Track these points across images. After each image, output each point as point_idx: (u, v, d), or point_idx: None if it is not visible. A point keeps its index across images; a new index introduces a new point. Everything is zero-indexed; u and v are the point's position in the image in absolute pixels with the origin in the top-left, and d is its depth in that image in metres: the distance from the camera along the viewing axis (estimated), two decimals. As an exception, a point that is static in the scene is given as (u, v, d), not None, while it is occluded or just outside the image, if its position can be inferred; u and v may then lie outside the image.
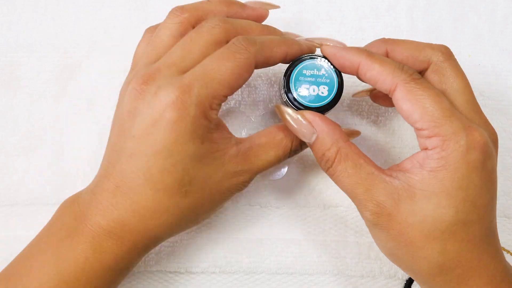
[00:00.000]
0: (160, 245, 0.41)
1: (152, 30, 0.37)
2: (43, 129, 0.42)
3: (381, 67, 0.31)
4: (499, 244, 0.32)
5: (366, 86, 0.41)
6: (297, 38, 0.36)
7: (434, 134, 0.29)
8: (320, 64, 0.35)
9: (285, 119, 0.33)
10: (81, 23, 0.44)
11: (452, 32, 0.45)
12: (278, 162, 0.35)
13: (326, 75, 0.35)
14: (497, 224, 0.43)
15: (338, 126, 0.33)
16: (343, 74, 0.35)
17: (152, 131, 0.30)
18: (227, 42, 0.32)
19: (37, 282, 0.31)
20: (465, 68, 0.45)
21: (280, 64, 0.35)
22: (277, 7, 0.39)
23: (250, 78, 0.33)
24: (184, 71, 0.31)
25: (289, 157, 0.36)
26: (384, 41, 0.35)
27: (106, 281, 0.32)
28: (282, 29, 0.44)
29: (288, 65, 0.35)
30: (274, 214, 0.42)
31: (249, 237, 0.41)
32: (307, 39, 0.36)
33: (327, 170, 0.32)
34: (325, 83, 0.35)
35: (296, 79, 0.35)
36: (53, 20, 0.44)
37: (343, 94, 0.35)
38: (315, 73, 0.35)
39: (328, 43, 0.35)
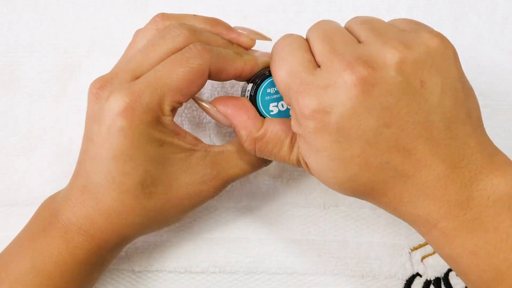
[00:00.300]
0: (160, 245, 0.41)
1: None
2: (43, 129, 0.42)
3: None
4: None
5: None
6: (257, 54, 0.35)
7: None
8: None
9: (208, 114, 0.34)
10: (81, 23, 0.44)
11: (452, 32, 0.45)
12: (252, 169, 0.35)
13: None
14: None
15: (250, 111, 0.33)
16: None
17: (108, 137, 0.30)
18: None
19: (14, 275, 0.32)
20: (465, 68, 0.45)
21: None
22: (268, 39, 0.37)
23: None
24: (139, 77, 0.31)
25: (264, 165, 0.36)
26: None
27: (80, 275, 0.33)
28: (282, 27, 0.44)
29: (250, 86, 0.34)
30: (274, 214, 0.42)
31: (249, 237, 0.41)
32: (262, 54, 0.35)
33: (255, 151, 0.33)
34: None
35: (263, 101, 0.34)
36: (53, 20, 0.44)
37: None
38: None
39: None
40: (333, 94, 0.27)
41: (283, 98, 0.30)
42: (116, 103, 0.30)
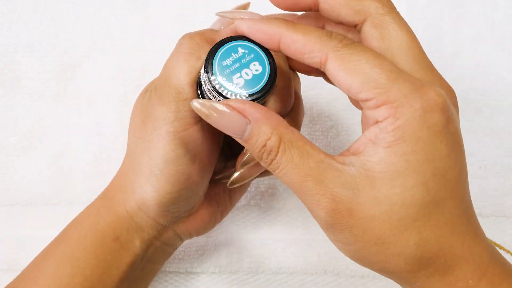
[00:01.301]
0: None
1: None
2: (43, 129, 0.42)
3: (305, 37, 0.25)
4: (477, 220, 0.27)
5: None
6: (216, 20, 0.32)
7: (382, 102, 0.24)
8: (236, 45, 0.28)
9: (207, 116, 0.26)
10: (81, 23, 0.44)
11: (452, 32, 0.45)
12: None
13: (247, 51, 0.28)
14: (498, 224, 0.43)
15: (273, 112, 0.27)
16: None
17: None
18: None
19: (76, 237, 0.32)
20: (465, 68, 0.45)
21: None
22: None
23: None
24: None
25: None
26: None
27: (115, 231, 0.32)
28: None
29: (202, 70, 0.28)
30: (275, 214, 0.42)
31: (249, 237, 0.42)
32: (217, 13, 0.30)
33: (270, 164, 0.26)
34: (252, 60, 0.28)
35: (222, 74, 0.28)
36: (53, 20, 0.44)
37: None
38: (236, 57, 0.28)
39: (242, 16, 0.29)
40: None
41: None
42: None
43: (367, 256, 0.26)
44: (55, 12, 0.44)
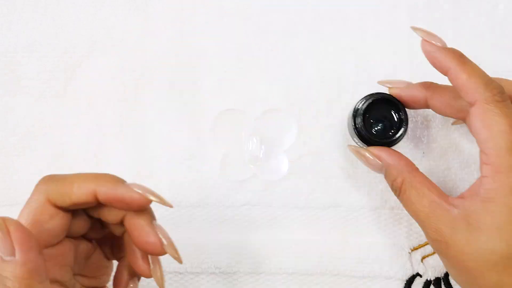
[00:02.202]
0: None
1: None
2: (43, 129, 0.42)
3: (468, 79, 0.31)
4: None
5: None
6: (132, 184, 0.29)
7: (490, 162, 0.30)
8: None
9: (358, 157, 0.37)
10: (81, 23, 0.44)
11: (452, 32, 0.45)
12: None
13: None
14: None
15: (403, 157, 0.35)
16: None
17: None
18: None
19: None
20: (465, 68, 0.45)
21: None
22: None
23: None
24: None
25: None
26: (425, 86, 0.36)
27: None
28: (282, 27, 0.44)
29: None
30: (275, 214, 0.42)
31: (249, 237, 0.41)
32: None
33: (397, 196, 0.35)
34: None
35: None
36: (53, 20, 0.44)
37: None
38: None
39: (427, 39, 0.35)
40: None
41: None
42: None
43: (459, 280, 0.33)
44: (55, 12, 0.44)
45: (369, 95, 0.38)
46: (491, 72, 0.44)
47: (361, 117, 0.38)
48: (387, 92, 0.38)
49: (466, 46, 0.45)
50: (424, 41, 0.34)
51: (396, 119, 0.38)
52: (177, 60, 0.43)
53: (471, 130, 0.31)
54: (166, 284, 0.41)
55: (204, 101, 0.43)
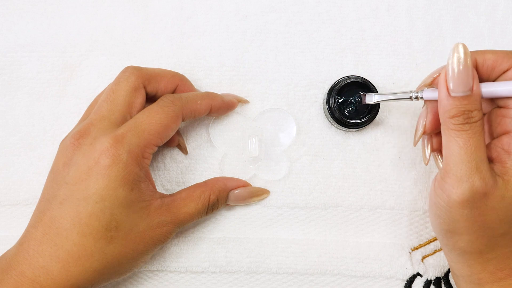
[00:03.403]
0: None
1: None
2: (43, 129, 0.42)
3: (494, 54, 0.33)
4: None
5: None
6: (222, 94, 0.41)
7: None
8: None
9: (453, 60, 0.32)
10: (81, 23, 0.44)
11: (452, 32, 0.45)
12: (199, 215, 0.38)
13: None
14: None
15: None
16: None
17: (85, 178, 0.33)
18: (145, 87, 0.37)
19: None
20: (465, 68, 0.45)
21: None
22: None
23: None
24: (116, 123, 0.34)
25: (211, 211, 0.39)
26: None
27: None
28: (282, 27, 0.44)
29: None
30: (274, 214, 0.42)
31: (249, 237, 0.41)
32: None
33: (462, 124, 0.32)
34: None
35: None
36: (53, 20, 0.44)
37: None
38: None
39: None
40: None
41: None
42: (101, 145, 0.33)
43: (479, 229, 0.33)
44: (55, 12, 0.44)
45: (344, 77, 0.42)
46: (491, 72, 0.44)
47: (335, 97, 0.41)
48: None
49: (466, 46, 0.45)
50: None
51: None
52: (177, 60, 0.43)
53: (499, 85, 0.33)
54: (166, 284, 0.41)
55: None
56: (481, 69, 0.33)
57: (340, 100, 0.41)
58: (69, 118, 0.43)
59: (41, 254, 0.32)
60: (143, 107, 0.36)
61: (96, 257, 0.33)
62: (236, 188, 0.40)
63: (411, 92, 0.36)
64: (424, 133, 0.36)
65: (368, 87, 0.41)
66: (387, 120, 0.43)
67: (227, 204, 0.41)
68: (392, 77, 0.44)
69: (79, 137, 0.34)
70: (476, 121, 0.32)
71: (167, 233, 0.36)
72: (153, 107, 0.35)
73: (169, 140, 0.37)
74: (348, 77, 0.41)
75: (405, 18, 0.45)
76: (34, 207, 0.41)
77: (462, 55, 0.32)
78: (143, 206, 0.34)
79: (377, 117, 0.42)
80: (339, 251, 0.41)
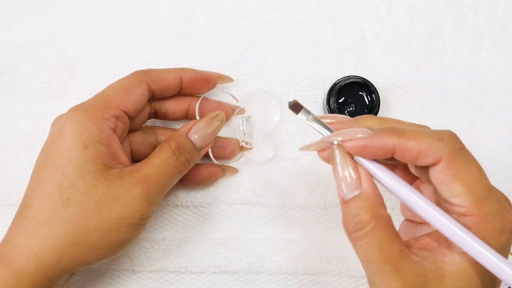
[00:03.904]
0: (161, 244, 0.40)
1: None
2: (43, 129, 0.42)
3: (418, 143, 0.27)
4: None
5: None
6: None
7: (471, 214, 0.27)
8: None
9: (333, 163, 0.29)
10: (81, 23, 0.44)
11: (452, 32, 0.45)
12: (168, 166, 0.34)
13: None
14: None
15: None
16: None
17: (49, 144, 0.33)
18: (149, 85, 0.37)
19: None
20: (465, 68, 0.45)
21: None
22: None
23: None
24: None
25: (182, 157, 0.35)
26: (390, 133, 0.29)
27: None
28: (282, 27, 0.44)
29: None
30: (275, 214, 0.42)
31: (249, 237, 0.41)
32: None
33: (353, 233, 0.28)
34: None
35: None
36: (53, 20, 0.44)
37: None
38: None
39: (346, 137, 0.29)
40: None
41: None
42: (65, 114, 0.34)
43: None
44: (55, 12, 0.44)
45: (344, 77, 0.42)
46: (491, 72, 0.45)
47: (335, 97, 0.41)
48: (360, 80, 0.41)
49: (466, 46, 0.45)
50: (346, 142, 0.28)
51: (368, 102, 0.42)
52: (177, 60, 0.43)
53: (437, 185, 0.27)
54: (166, 284, 0.41)
55: (204, 101, 0.43)
56: (403, 158, 0.28)
57: (340, 100, 0.41)
58: (69, 118, 0.42)
59: (10, 228, 0.32)
60: (141, 104, 0.36)
61: (54, 222, 0.31)
62: (191, 128, 0.36)
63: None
64: (313, 150, 0.32)
65: (368, 87, 0.41)
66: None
67: (203, 153, 0.37)
68: (392, 77, 0.44)
69: (58, 116, 0.35)
70: (369, 230, 0.27)
71: (136, 198, 0.32)
72: (121, 78, 0.36)
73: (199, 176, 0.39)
74: (348, 77, 0.42)
75: (405, 18, 0.45)
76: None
77: (338, 161, 0.28)
78: (99, 168, 0.32)
79: (377, 117, 0.42)
80: (340, 251, 0.41)
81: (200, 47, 0.44)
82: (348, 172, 0.28)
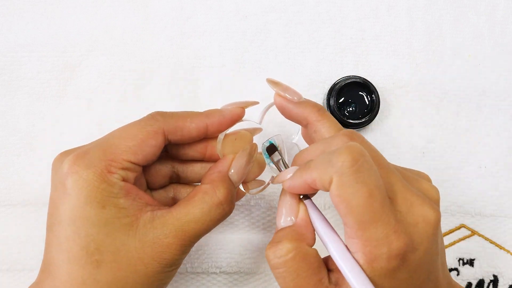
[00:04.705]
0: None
1: None
2: (43, 129, 0.42)
3: (316, 173, 0.27)
4: None
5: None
6: (224, 105, 0.35)
7: (356, 236, 0.26)
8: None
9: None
10: (81, 23, 0.44)
11: (452, 32, 0.45)
12: (209, 217, 0.31)
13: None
14: (498, 224, 0.43)
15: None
16: None
17: (57, 201, 0.30)
18: (166, 135, 0.33)
19: None
20: (465, 68, 0.45)
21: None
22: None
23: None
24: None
25: (225, 214, 0.32)
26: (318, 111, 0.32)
27: None
28: (282, 27, 0.44)
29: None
30: (275, 214, 0.42)
31: (249, 237, 0.41)
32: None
33: (273, 259, 0.28)
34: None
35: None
36: (53, 20, 0.44)
37: None
38: None
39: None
40: (420, 231, 0.27)
41: (350, 220, 0.26)
42: (65, 164, 0.30)
43: None
44: (55, 12, 0.44)
45: (344, 77, 0.42)
46: (491, 72, 0.45)
47: (335, 98, 0.41)
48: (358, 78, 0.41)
49: (466, 46, 0.45)
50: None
51: (368, 102, 0.42)
52: (177, 60, 0.43)
53: (336, 208, 0.27)
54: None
55: (204, 101, 0.43)
56: (321, 189, 0.28)
57: (340, 100, 0.41)
58: (69, 118, 0.43)
59: (41, 286, 0.31)
60: (154, 156, 0.32)
61: (89, 284, 0.29)
62: (231, 165, 0.33)
63: None
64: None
65: (368, 87, 0.41)
66: (386, 120, 0.43)
67: (241, 191, 0.35)
68: (392, 77, 0.44)
69: (58, 158, 0.32)
70: (288, 260, 0.27)
71: (171, 249, 0.30)
72: (132, 122, 0.32)
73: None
74: (348, 77, 0.42)
75: (405, 18, 0.45)
76: (34, 207, 0.41)
77: (281, 198, 0.30)
78: (126, 223, 0.30)
79: (377, 117, 0.42)
80: (339, 251, 0.41)
81: (200, 47, 0.44)
82: (288, 205, 0.30)
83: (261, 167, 0.35)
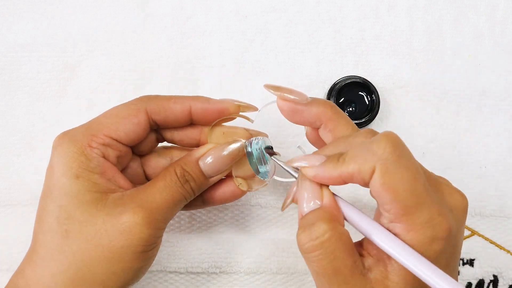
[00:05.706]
0: (161, 245, 0.40)
1: None
2: (43, 129, 0.42)
3: (355, 166, 0.27)
4: None
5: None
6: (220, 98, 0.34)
7: (399, 221, 0.26)
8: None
9: (297, 185, 0.30)
10: (81, 23, 0.44)
11: (452, 32, 0.45)
12: (172, 193, 0.32)
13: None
14: (498, 224, 0.43)
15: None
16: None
17: (45, 175, 0.32)
18: (150, 114, 0.33)
19: None
20: (465, 68, 0.45)
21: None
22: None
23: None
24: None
25: (187, 186, 0.32)
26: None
27: None
28: (282, 27, 0.44)
29: None
30: (275, 214, 0.42)
31: (249, 237, 0.41)
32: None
33: (307, 243, 0.27)
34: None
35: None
36: (53, 20, 0.44)
37: None
38: None
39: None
40: (455, 217, 0.28)
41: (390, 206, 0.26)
42: (54, 140, 0.32)
43: None
44: (55, 12, 0.44)
45: (344, 77, 0.42)
46: (491, 72, 0.45)
47: (335, 98, 0.41)
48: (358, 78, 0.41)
49: (466, 46, 0.45)
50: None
51: (368, 102, 0.42)
52: (177, 60, 0.43)
53: (375, 196, 0.27)
54: (166, 284, 0.41)
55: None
56: (357, 183, 0.28)
57: (340, 100, 0.41)
58: (69, 118, 0.42)
59: (23, 261, 0.32)
60: (136, 134, 0.33)
61: (57, 256, 0.30)
62: (204, 154, 0.33)
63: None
64: (293, 201, 0.32)
65: (368, 87, 0.41)
66: (386, 120, 0.43)
67: (240, 190, 0.35)
68: (392, 77, 0.44)
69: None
70: (324, 241, 0.27)
71: (138, 225, 0.30)
72: (119, 105, 0.34)
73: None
74: (348, 77, 0.42)
75: (405, 18, 0.45)
76: (34, 207, 0.41)
77: (299, 181, 0.30)
78: (96, 197, 0.31)
79: (377, 117, 0.42)
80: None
81: (200, 47, 0.44)
82: (310, 189, 0.29)
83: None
